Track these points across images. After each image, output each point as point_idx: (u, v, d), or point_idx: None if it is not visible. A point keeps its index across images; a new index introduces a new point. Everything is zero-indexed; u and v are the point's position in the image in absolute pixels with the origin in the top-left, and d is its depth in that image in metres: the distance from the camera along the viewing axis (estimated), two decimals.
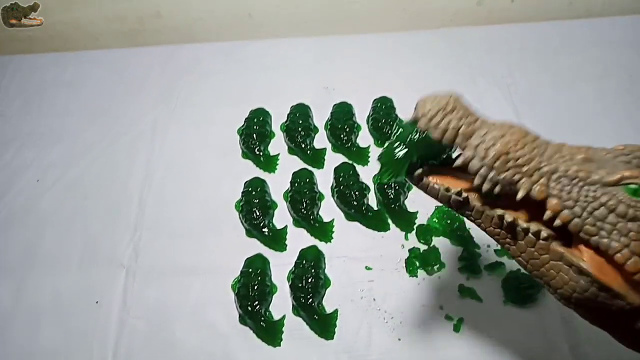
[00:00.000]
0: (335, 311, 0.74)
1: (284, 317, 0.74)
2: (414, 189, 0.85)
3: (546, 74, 1.02)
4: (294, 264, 0.78)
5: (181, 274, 0.80)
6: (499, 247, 0.79)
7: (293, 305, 0.75)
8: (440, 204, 0.82)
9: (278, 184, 0.88)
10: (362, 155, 0.90)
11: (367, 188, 0.85)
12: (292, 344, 0.73)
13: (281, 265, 0.79)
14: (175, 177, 0.91)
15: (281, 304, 0.76)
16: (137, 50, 1.11)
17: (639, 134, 0.92)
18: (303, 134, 0.91)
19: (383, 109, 0.94)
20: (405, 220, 0.81)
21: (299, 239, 0.82)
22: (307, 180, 0.86)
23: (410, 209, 0.83)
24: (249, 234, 0.82)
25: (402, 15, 1.11)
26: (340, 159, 0.91)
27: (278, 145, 0.94)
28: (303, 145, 0.90)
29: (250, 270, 0.77)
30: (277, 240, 0.81)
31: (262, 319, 0.73)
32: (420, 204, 0.84)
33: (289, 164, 0.90)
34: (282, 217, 0.85)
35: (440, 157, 0.51)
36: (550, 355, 0.70)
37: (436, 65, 1.04)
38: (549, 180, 0.44)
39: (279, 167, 0.91)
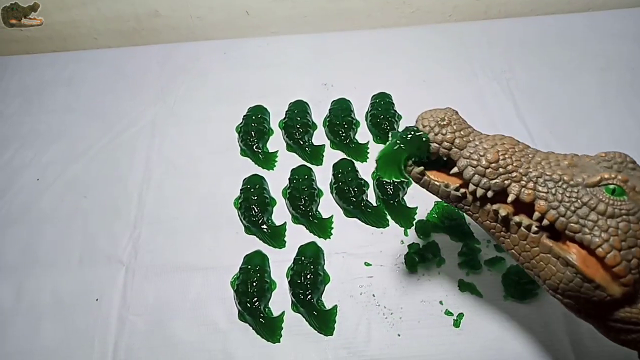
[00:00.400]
0: (335, 307, 0.74)
1: (283, 313, 0.74)
2: (413, 184, 0.85)
3: (546, 67, 1.02)
4: (293, 260, 0.78)
5: (180, 271, 0.80)
6: None
7: (292, 301, 0.75)
8: (439, 200, 0.83)
9: (277, 180, 0.88)
10: (360, 152, 0.90)
11: (366, 184, 0.85)
12: (292, 340, 0.72)
13: (280, 262, 0.79)
14: (174, 175, 0.91)
15: (280, 301, 0.76)
16: (135, 49, 1.11)
17: None
18: (301, 130, 0.91)
19: (382, 105, 0.93)
20: (404, 216, 0.81)
21: (298, 235, 0.82)
22: (306, 177, 0.85)
23: (410, 204, 0.83)
24: (248, 230, 0.82)
25: (400, 11, 1.10)
26: (339, 155, 0.90)
27: (277, 142, 0.94)
28: (302, 142, 0.90)
29: (249, 267, 0.77)
30: (276, 236, 0.81)
31: (262, 315, 0.73)
32: (420, 199, 0.84)
33: (288, 161, 0.90)
34: (281, 213, 0.85)
35: (429, 155, 0.55)
36: (550, 350, 0.69)
37: (435, 60, 1.04)
38: (535, 184, 0.49)
39: (277, 164, 0.91)
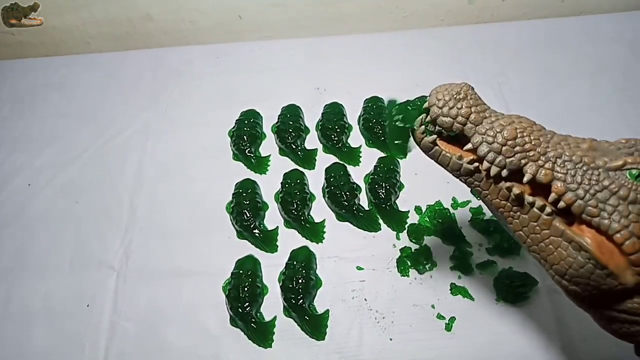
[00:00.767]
0: (327, 312, 0.74)
1: (274, 318, 0.74)
2: (405, 188, 0.86)
3: (538, 71, 1.02)
4: (285, 264, 0.78)
5: (172, 276, 0.79)
6: (490, 245, 0.79)
7: (284, 306, 0.75)
8: (431, 203, 0.83)
9: (269, 185, 0.88)
10: (353, 156, 0.90)
11: (358, 188, 0.85)
12: (283, 345, 0.72)
13: (272, 266, 0.79)
14: (166, 179, 0.90)
15: (272, 305, 0.76)
16: (128, 53, 1.11)
17: (632, 130, 0.92)
18: (294, 134, 0.91)
19: (374, 109, 0.93)
20: (396, 220, 0.81)
21: (290, 239, 0.82)
22: (298, 181, 0.85)
23: (402, 208, 0.83)
24: (240, 235, 0.82)
25: (393, 15, 1.11)
26: (332, 159, 0.90)
27: (269, 146, 0.94)
28: (294, 146, 0.90)
29: (241, 271, 0.77)
30: (268, 241, 0.81)
31: (253, 320, 0.72)
32: (412, 203, 0.84)
33: (280, 165, 0.90)
34: (273, 218, 0.85)
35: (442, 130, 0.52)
36: (542, 353, 0.69)
37: (428, 64, 1.04)
38: (554, 164, 0.46)
39: (270, 168, 0.91)
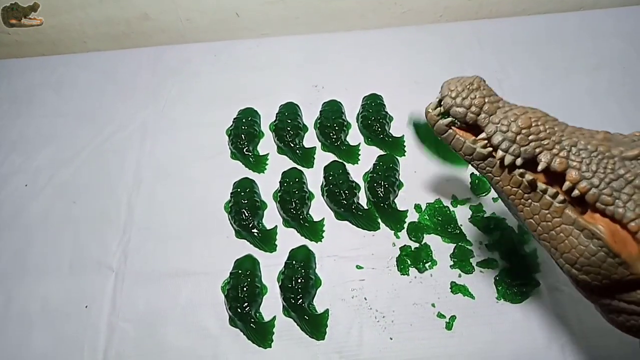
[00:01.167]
0: (326, 311, 0.74)
1: (274, 318, 0.74)
2: (405, 186, 0.85)
3: (538, 67, 1.01)
4: (284, 264, 0.77)
5: (170, 276, 0.79)
6: (491, 242, 0.78)
7: (283, 305, 0.74)
8: (431, 202, 0.82)
9: (268, 184, 0.87)
10: (352, 154, 0.89)
11: (357, 187, 0.84)
12: (283, 345, 0.72)
13: (271, 266, 0.78)
14: (164, 179, 0.90)
15: (272, 305, 0.75)
16: (125, 52, 1.10)
17: (632, 125, 0.91)
18: (292, 133, 0.90)
19: (373, 107, 0.93)
20: (395, 219, 0.81)
21: (289, 239, 0.81)
22: (297, 179, 0.85)
23: (400, 207, 0.82)
24: (239, 235, 0.82)
25: (392, 12, 1.10)
26: (330, 157, 0.90)
27: (267, 145, 0.93)
28: (292, 145, 0.89)
29: (240, 271, 0.76)
30: (266, 240, 0.80)
31: (252, 320, 0.72)
32: (411, 201, 0.83)
33: (279, 164, 0.89)
34: (272, 217, 0.84)
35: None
36: (543, 352, 0.69)
37: (427, 61, 1.03)
38: (569, 153, 0.46)
39: (268, 167, 0.90)
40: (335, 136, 0.89)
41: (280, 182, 0.85)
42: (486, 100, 0.49)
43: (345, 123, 0.92)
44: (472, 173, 0.85)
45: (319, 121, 0.92)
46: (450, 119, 0.50)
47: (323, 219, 0.83)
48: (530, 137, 0.47)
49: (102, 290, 0.78)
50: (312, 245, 0.80)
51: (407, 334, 0.72)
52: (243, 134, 0.91)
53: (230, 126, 0.93)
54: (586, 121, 0.89)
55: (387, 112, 0.93)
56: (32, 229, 0.86)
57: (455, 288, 0.75)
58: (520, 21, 1.11)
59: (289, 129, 0.90)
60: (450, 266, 0.77)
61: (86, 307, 0.77)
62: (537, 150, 0.47)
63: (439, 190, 0.85)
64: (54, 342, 0.74)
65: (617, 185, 0.44)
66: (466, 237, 0.79)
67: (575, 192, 0.46)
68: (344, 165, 0.87)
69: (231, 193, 0.85)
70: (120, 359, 0.73)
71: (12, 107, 1.03)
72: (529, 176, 0.48)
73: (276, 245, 0.81)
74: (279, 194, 0.84)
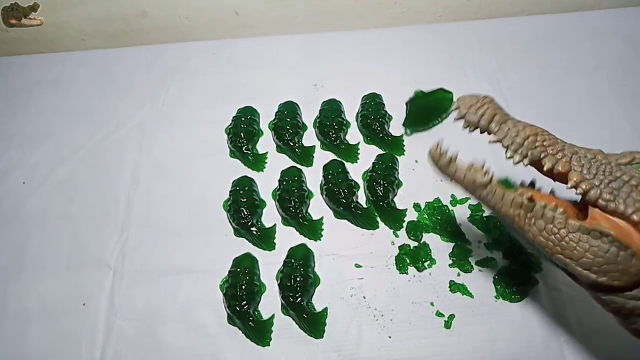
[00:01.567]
0: (325, 309, 0.74)
1: (272, 316, 0.73)
2: (404, 185, 0.85)
3: (537, 67, 1.01)
4: (282, 262, 0.77)
5: (169, 274, 0.79)
6: (490, 241, 0.78)
7: (282, 304, 0.74)
8: (430, 201, 0.82)
9: (267, 182, 0.87)
10: (351, 153, 0.89)
11: (357, 185, 0.84)
12: (282, 344, 0.72)
13: (270, 264, 0.78)
14: (162, 177, 0.90)
15: (270, 303, 0.75)
16: (123, 50, 1.10)
17: (632, 126, 0.92)
18: (291, 131, 0.90)
19: (372, 106, 0.93)
20: (394, 218, 0.81)
21: (288, 237, 0.81)
22: (296, 178, 0.85)
23: (400, 206, 0.82)
24: (238, 233, 0.81)
25: (391, 11, 1.10)
26: (330, 156, 0.90)
27: (267, 143, 0.93)
28: (291, 143, 0.89)
29: (239, 269, 0.76)
30: (265, 239, 0.80)
31: (251, 318, 0.72)
32: (410, 200, 0.83)
33: (278, 162, 0.89)
34: (271, 215, 0.84)
35: (432, 120, 0.67)
36: (541, 351, 0.69)
37: (426, 60, 1.03)
38: (570, 158, 0.51)
39: (267, 165, 0.90)
40: (334, 135, 0.89)
41: (279, 180, 0.85)
42: (497, 112, 0.54)
43: (345, 122, 0.92)
44: None
45: (318, 120, 0.92)
46: (450, 155, 0.56)
47: (322, 217, 0.83)
48: (537, 144, 0.52)
49: (100, 288, 0.78)
50: (311, 243, 0.80)
51: (405, 332, 0.72)
52: (242, 132, 0.90)
53: (230, 124, 0.93)
54: (585, 121, 0.91)
55: (386, 112, 0.93)
56: (30, 226, 0.86)
57: (454, 287, 0.75)
58: (519, 21, 1.11)
59: (288, 127, 0.90)
60: (449, 265, 0.77)
61: (84, 304, 0.77)
62: (542, 154, 0.51)
63: (438, 189, 0.84)
64: (51, 340, 0.74)
65: (616, 185, 0.49)
66: (465, 236, 0.79)
67: (579, 190, 0.50)
68: (343, 164, 0.87)
69: (230, 191, 0.84)
70: (118, 357, 0.72)
71: (10, 105, 1.03)
72: (527, 192, 0.52)
73: (275, 244, 0.80)
74: (278, 193, 0.84)
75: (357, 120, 0.93)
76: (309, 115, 0.95)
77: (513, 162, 0.53)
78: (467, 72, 1.01)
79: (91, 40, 1.12)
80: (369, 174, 0.85)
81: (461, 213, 0.81)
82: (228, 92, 1.00)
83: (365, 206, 0.82)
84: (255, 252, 0.80)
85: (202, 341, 0.73)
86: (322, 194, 0.84)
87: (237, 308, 0.72)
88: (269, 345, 0.71)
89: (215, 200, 0.85)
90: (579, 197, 0.52)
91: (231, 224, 0.82)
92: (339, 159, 0.88)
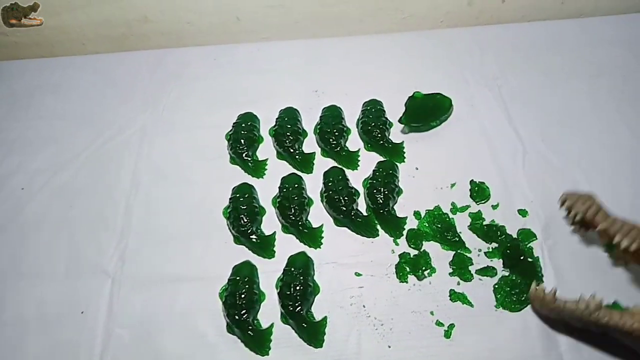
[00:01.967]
0: (325, 319, 0.73)
1: (272, 325, 0.73)
2: (404, 193, 0.85)
3: (538, 74, 1.01)
4: (282, 270, 0.77)
5: (168, 282, 0.78)
6: (490, 250, 0.78)
7: (281, 313, 0.74)
8: (431, 208, 0.82)
9: (267, 189, 0.87)
10: (351, 160, 0.89)
11: (357, 193, 0.84)
12: (281, 353, 0.71)
13: (270, 272, 0.78)
14: (162, 183, 0.89)
15: (270, 312, 0.75)
16: (125, 55, 1.10)
17: (632, 132, 0.92)
18: (292, 138, 0.90)
19: (373, 112, 0.92)
20: (394, 226, 0.80)
21: (288, 245, 0.81)
22: (296, 185, 0.84)
23: (400, 214, 0.82)
24: (237, 240, 0.81)
25: (392, 17, 1.10)
26: (330, 163, 0.89)
27: (267, 150, 0.93)
28: (292, 150, 0.89)
29: (238, 278, 0.76)
30: (265, 246, 0.80)
31: (250, 327, 0.72)
32: (411, 208, 0.83)
33: (278, 169, 0.89)
34: (270, 223, 0.84)
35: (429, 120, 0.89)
36: None
37: (427, 66, 1.04)
38: None
39: (267, 172, 0.90)
40: (335, 142, 0.89)
41: (279, 187, 0.85)
42: (601, 208, 0.70)
43: (345, 129, 0.92)
44: (472, 180, 0.85)
45: (318, 126, 0.92)
46: (553, 290, 0.67)
47: (322, 225, 0.82)
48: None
49: (98, 296, 0.78)
50: (311, 251, 0.80)
51: (405, 342, 0.71)
52: (242, 138, 0.90)
53: (230, 131, 0.93)
54: (586, 128, 0.91)
55: (387, 118, 0.92)
56: (28, 232, 0.85)
57: (454, 296, 0.74)
58: (520, 27, 1.11)
59: (288, 134, 0.90)
60: (449, 274, 0.76)
61: (82, 312, 0.76)
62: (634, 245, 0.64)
63: (439, 196, 0.84)
64: (48, 348, 0.73)
65: None
66: (465, 245, 0.78)
67: None
68: (344, 172, 0.86)
69: (230, 198, 0.84)
70: None
71: (11, 110, 1.03)
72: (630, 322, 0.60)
73: (275, 252, 0.80)
74: (277, 200, 0.83)
75: (357, 127, 0.93)
76: (309, 121, 0.95)
77: (621, 246, 0.65)
78: (468, 78, 1.01)
79: (92, 45, 1.12)
80: (370, 181, 0.84)
81: (461, 221, 0.81)
82: (229, 98, 1.00)
83: (365, 214, 0.82)
84: (255, 259, 0.80)
85: (200, 350, 0.72)
86: (322, 201, 0.84)
87: (236, 317, 0.72)
88: (267, 354, 0.71)
89: (215, 207, 0.85)
90: None
91: (231, 231, 0.82)
92: (339, 166, 0.88)
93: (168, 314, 0.75)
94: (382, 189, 0.82)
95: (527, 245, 0.78)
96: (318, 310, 0.74)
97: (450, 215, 0.82)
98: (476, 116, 0.95)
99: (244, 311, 0.72)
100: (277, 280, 0.76)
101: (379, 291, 0.76)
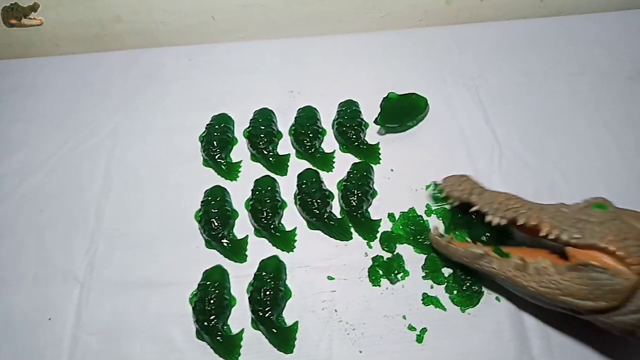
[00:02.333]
0: (295, 324, 0.72)
1: (242, 331, 0.72)
2: (378, 195, 0.84)
3: (517, 73, 1.00)
4: (253, 275, 0.76)
5: (138, 287, 0.77)
6: None
7: (252, 318, 0.73)
8: (404, 211, 0.81)
9: (240, 192, 0.85)
10: (326, 161, 0.88)
11: (331, 195, 0.83)
12: (251, 359, 0.70)
13: (242, 277, 0.77)
14: (134, 187, 0.88)
15: (241, 317, 0.74)
16: (99, 55, 1.07)
17: (611, 133, 0.91)
18: (265, 140, 0.88)
19: (348, 113, 0.91)
20: (368, 228, 0.79)
21: (260, 249, 0.80)
22: (269, 188, 0.83)
23: (374, 216, 0.81)
24: (209, 244, 0.80)
25: (371, 15, 1.08)
26: (305, 165, 0.88)
27: (242, 151, 0.91)
28: (265, 152, 0.87)
29: (208, 282, 0.74)
30: (236, 251, 0.79)
31: (219, 333, 0.70)
32: (385, 210, 0.82)
33: (252, 172, 0.88)
34: (243, 226, 0.82)
35: (405, 120, 0.91)
36: None
37: (405, 66, 1.02)
38: (539, 212, 0.64)
39: (241, 174, 0.88)
40: (309, 143, 0.88)
41: (252, 190, 0.84)
42: (474, 186, 0.72)
43: (320, 130, 0.91)
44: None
45: (293, 128, 0.91)
46: (448, 236, 0.73)
47: (295, 228, 0.81)
48: (509, 207, 0.66)
49: (66, 302, 0.76)
50: (283, 255, 0.79)
51: (377, 347, 0.70)
52: (215, 140, 0.89)
53: (203, 132, 0.91)
54: (564, 127, 0.90)
55: (362, 119, 0.91)
56: None
57: (427, 299, 0.73)
58: (500, 26, 1.10)
59: (262, 135, 0.89)
60: (423, 277, 0.76)
61: (50, 319, 0.75)
62: (515, 214, 0.65)
63: (414, 198, 0.83)
64: (14, 355, 0.72)
65: (580, 225, 0.61)
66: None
67: (551, 236, 0.61)
68: (318, 174, 0.85)
69: (202, 202, 0.83)
70: None
71: None
72: (518, 254, 0.66)
73: (246, 256, 0.79)
74: (250, 203, 0.82)
75: (332, 128, 0.92)
76: (285, 122, 0.94)
77: (492, 224, 0.67)
78: (446, 77, 1.00)
79: (66, 45, 1.10)
80: (344, 183, 0.83)
81: (436, 223, 0.80)
82: (204, 99, 0.99)
83: (339, 216, 0.81)
84: (227, 264, 0.78)
85: (169, 356, 0.71)
86: (295, 204, 0.83)
87: (206, 323, 0.70)
88: None
89: (187, 211, 0.83)
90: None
91: (202, 235, 0.81)
92: (314, 168, 0.87)
93: (137, 319, 0.74)
94: (355, 191, 0.81)
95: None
96: (289, 315, 0.73)
97: (425, 217, 0.81)
98: (453, 116, 0.94)
99: (213, 316, 0.71)
100: (248, 285, 0.75)
101: (352, 295, 0.75)
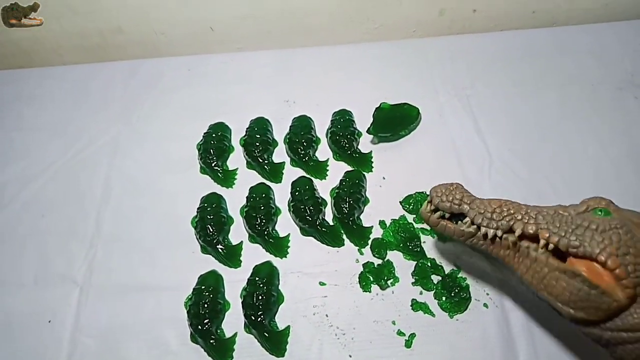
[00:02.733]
0: (287, 328, 0.74)
1: (235, 335, 0.74)
2: (370, 203, 0.86)
3: (508, 83, 1.02)
4: (247, 280, 0.78)
5: (135, 291, 0.79)
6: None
7: (245, 322, 0.74)
8: (396, 218, 0.83)
9: (236, 199, 0.87)
10: (320, 169, 0.90)
11: (324, 202, 0.85)
12: None
13: (236, 282, 0.79)
14: (133, 194, 0.90)
15: (235, 321, 0.76)
16: (100, 65, 1.10)
17: (600, 143, 0.92)
18: (261, 148, 0.91)
19: (341, 122, 0.93)
20: (360, 235, 0.81)
21: (254, 254, 0.82)
22: (263, 195, 0.85)
23: (366, 223, 0.83)
24: (204, 250, 0.82)
25: (364, 27, 1.11)
26: (300, 173, 0.90)
27: (238, 159, 0.94)
28: (261, 160, 0.90)
29: (203, 287, 0.76)
30: (231, 256, 0.81)
31: (213, 337, 0.72)
32: (377, 217, 0.84)
33: (248, 179, 0.90)
34: (238, 232, 0.85)
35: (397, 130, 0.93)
36: None
37: (398, 76, 1.04)
38: (536, 217, 0.60)
39: (237, 182, 0.90)
40: (303, 152, 0.90)
41: (247, 197, 0.86)
42: (464, 195, 0.65)
43: (314, 139, 0.93)
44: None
45: (288, 136, 0.93)
46: (439, 213, 0.67)
47: (289, 234, 0.83)
48: (503, 213, 0.62)
49: (66, 305, 0.78)
50: (277, 261, 0.81)
51: (366, 351, 0.72)
52: (212, 148, 0.91)
53: (200, 141, 0.94)
54: (555, 138, 0.92)
55: (355, 128, 0.93)
56: None
57: (416, 305, 0.75)
58: (492, 37, 1.11)
59: (257, 144, 0.91)
60: (412, 283, 0.77)
61: (49, 322, 0.77)
62: (511, 222, 0.61)
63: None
64: (14, 357, 0.74)
65: (579, 231, 0.57)
66: (426, 255, 0.79)
67: (550, 245, 0.58)
68: (311, 181, 0.87)
69: (198, 208, 0.85)
70: None
71: None
72: (511, 237, 0.61)
73: (241, 261, 0.81)
74: (245, 210, 0.84)
75: (326, 137, 0.94)
76: (280, 131, 0.96)
77: (488, 237, 0.62)
78: (438, 88, 1.02)
79: (68, 55, 1.13)
80: (336, 191, 0.85)
81: (426, 231, 0.82)
82: (201, 108, 1.01)
83: (331, 223, 0.83)
84: (222, 269, 0.80)
85: (164, 358, 0.73)
86: (289, 210, 0.85)
87: (200, 326, 0.72)
88: None
89: (184, 217, 0.86)
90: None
91: (198, 240, 0.83)
92: (307, 176, 0.89)
93: (134, 323, 0.76)
94: (347, 198, 0.83)
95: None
96: (282, 319, 0.75)
97: (415, 225, 0.83)
98: (445, 126, 0.96)
99: (207, 320, 0.73)
100: (242, 290, 0.77)
101: (342, 300, 0.77)
